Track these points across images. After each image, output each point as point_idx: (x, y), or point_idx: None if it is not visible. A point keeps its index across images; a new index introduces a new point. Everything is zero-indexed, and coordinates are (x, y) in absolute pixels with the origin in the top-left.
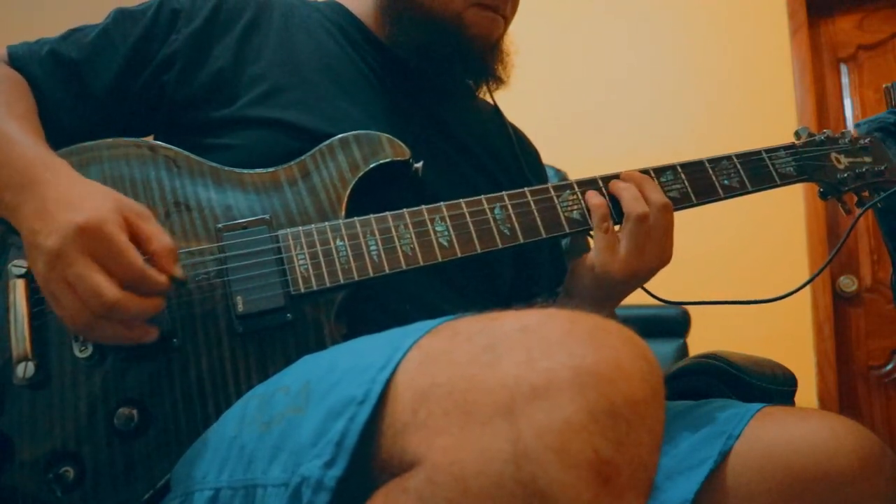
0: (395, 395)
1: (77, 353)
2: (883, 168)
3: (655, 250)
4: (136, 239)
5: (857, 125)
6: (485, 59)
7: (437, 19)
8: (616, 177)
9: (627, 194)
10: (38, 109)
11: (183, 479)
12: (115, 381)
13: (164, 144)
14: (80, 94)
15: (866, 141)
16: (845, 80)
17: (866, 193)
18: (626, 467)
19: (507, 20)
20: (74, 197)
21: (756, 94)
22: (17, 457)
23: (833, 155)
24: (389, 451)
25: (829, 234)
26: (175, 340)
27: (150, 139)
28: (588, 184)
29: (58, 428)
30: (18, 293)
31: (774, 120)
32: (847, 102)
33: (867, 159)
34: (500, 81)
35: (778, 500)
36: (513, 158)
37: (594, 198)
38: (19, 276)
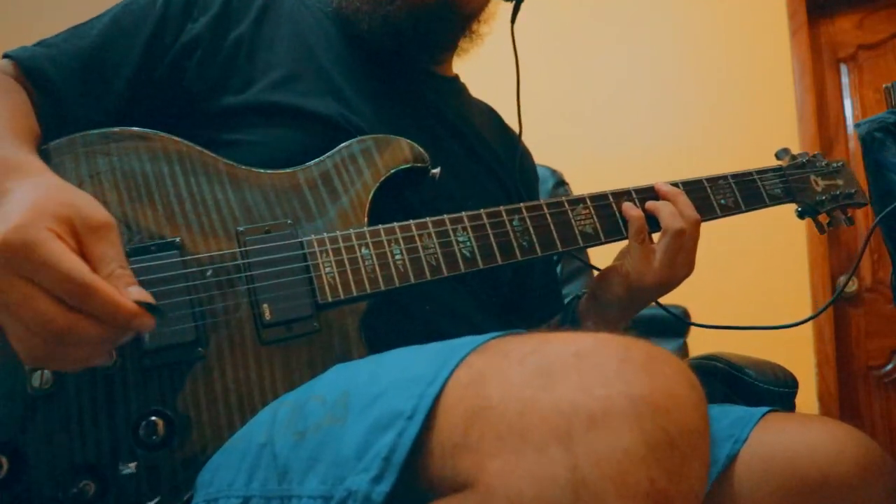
0: (445, 412)
1: None
2: (853, 191)
3: (684, 262)
4: (85, 258)
5: (857, 125)
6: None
7: None
8: (650, 188)
9: (666, 210)
10: (56, 111)
11: (206, 485)
12: (137, 390)
13: (175, 138)
14: (101, 88)
15: (838, 165)
16: (845, 80)
17: (838, 213)
18: (680, 499)
19: None
20: (10, 205)
21: (756, 94)
22: (33, 471)
23: (812, 177)
24: (439, 470)
25: (829, 234)
26: (200, 349)
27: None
28: (601, 198)
29: (77, 440)
30: None
31: (774, 120)
32: (847, 102)
33: (840, 182)
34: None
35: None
36: (509, 158)
37: (632, 210)
38: None
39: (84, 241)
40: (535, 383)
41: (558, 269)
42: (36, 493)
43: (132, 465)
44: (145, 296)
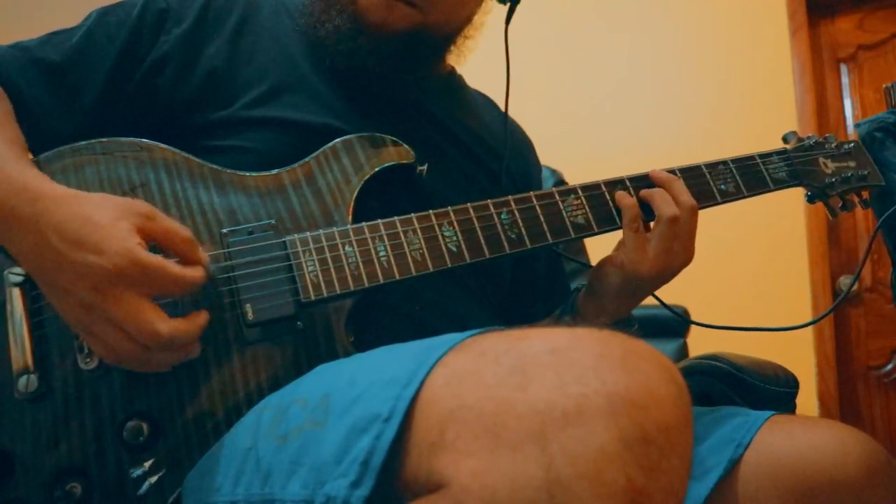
0: (421, 413)
1: (81, 365)
2: (866, 172)
3: (681, 250)
4: (156, 242)
5: (857, 125)
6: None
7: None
8: (644, 176)
9: (659, 197)
10: (23, 119)
11: (195, 491)
12: (122, 393)
13: (161, 145)
14: (69, 101)
15: (850, 146)
16: (845, 80)
17: (852, 196)
18: (658, 495)
19: (420, 8)
20: (82, 232)
21: (756, 94)
22: (20, 474)
23: (821, 160)
24: (415, 471)
25: (829, 231)
26: None
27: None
28: (593, 187)
29: (63, 443)
30: (16, 303)
31: (774, 120)
32: (847, 102)
33: (851, 164)
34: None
35: None
36: (511, 152)
37: (625, 198)
38: (16, 285)
39: (146, 229)
40: (511, 382)
41: None
42: (23, 496)
43: (147, 463)
44: (207, 258)
